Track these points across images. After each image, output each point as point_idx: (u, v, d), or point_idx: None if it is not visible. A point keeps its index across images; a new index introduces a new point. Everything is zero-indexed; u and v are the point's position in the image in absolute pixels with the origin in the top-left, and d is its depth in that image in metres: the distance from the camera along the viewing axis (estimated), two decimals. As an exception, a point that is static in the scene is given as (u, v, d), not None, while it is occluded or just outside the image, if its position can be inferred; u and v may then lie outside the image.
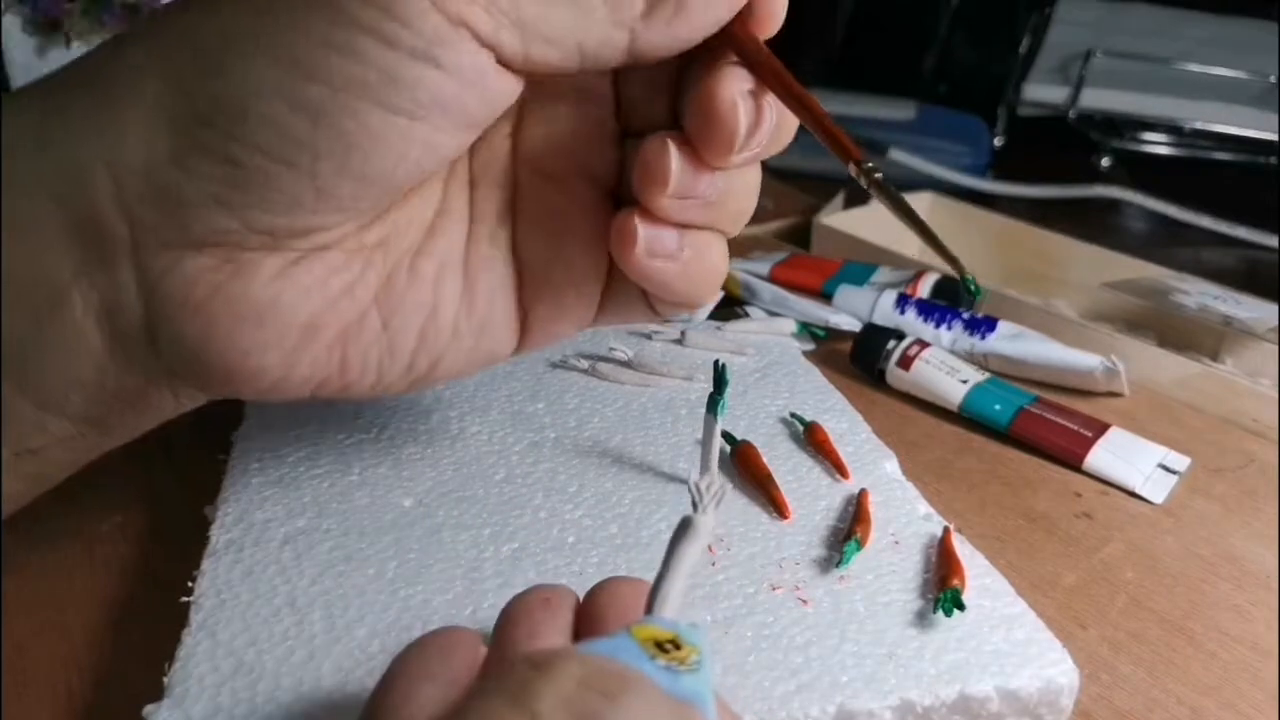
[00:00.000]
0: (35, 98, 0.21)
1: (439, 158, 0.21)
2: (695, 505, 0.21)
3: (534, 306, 0.26)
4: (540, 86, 0.23)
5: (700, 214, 0.23)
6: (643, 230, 0.23)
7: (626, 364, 0.40)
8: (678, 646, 0.18)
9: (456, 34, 0.19)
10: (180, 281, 0.21)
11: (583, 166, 0.25)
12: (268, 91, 0.19)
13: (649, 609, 0.20)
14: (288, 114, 0.19)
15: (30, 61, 0.48)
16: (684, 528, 0.20)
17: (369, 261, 0.23)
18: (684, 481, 0.33)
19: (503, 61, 0.20)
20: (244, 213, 0.20)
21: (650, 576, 0.20)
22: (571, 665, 0.16)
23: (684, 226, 0.23)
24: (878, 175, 0.22)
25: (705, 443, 0.32)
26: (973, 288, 0.22)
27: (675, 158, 0.22)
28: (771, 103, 0.22)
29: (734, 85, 0.22)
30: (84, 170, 0.20)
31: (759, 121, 0.22)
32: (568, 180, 0.25)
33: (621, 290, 0.26)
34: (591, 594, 0.22)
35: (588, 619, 0.21)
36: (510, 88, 0.21)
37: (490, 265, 0.25)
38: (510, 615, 0.21)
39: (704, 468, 0.32)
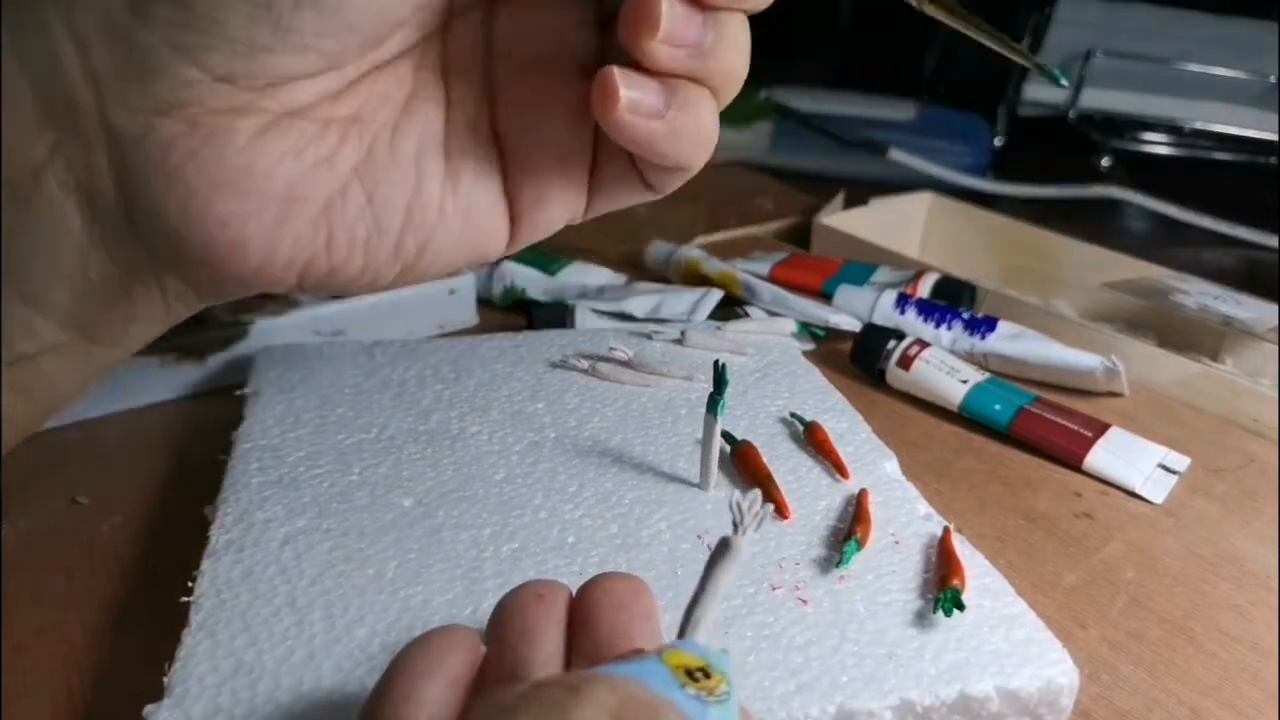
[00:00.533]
0: None
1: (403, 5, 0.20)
2: (735, 526, 0.20)
3: (520, 193, 0.25)
4: None
5: (690, 63, 0.22)
6: (625, 86, 0.22)
7: (627, 364, 0.40)
8: (707, 675, 0.18)
9: None
10: (153, 148, 0.20)
11: (560, 55, 0.24)
12: None
13: (682, 632, 0.19)
14: None
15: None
16: (723, 549, 0.20)
17: (344, 135, 0.22)
18: (685, 481, 0.33)
19: None
20: (203, 56, 0.20)
21: (650, 577, 0.20)
22: (604, 691, 0.16)
23: (672, 78, 0.22)
24: None
25: (705, 443, 0.32)
26: (1055, 75, 0.21)
27: None
28: None
29: None
30: (52, 42, 0.20)
31: None
32: (546, 69, 0.24)
33: (611, 168, 0.25)
34: (584, 589, 0.22)
35: (581, 615, 0.21)
36: None
37: (471, 149, 0.24)
38: (504, 612, 0.21)
39: (704, 468, 0.32)
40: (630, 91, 0.22)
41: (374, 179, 0.23)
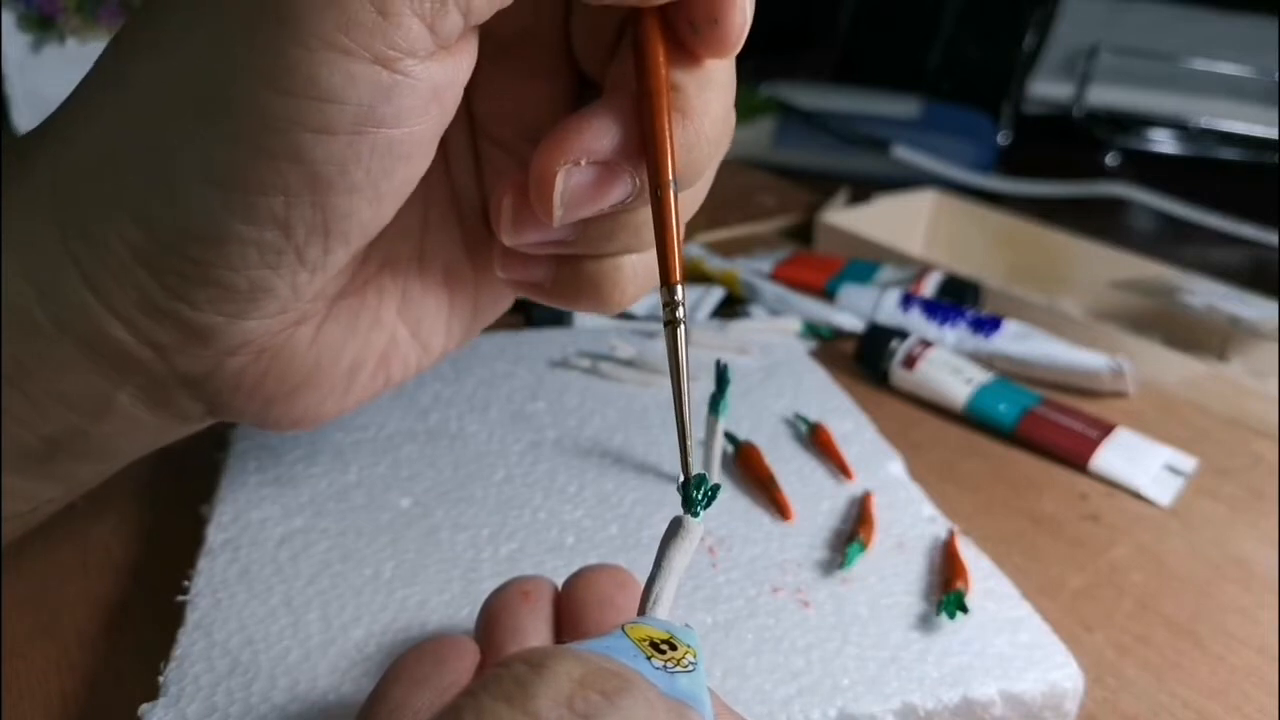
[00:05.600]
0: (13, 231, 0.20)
1: (418, 175, 0.20)
2: (685, 504, 0.20)
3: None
4: (491, 65, 0.22)
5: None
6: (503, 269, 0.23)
7: (628, 363, 0.39)
8: (673, 647, 0.18)
9: (393, 79, 0.17)
10: (226, 378, 0.21)
11: (535, 134, 0.23)
12: (223, 214, 0.18)
13: (642, 609, 0.19)
14: (255, 231, 0.18)
15: (25, 59, 0.48)
16: (674, 528, 0.20)
17: (380, 288, 0.24)
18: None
19: (443, 45, 0.18)
20: (254, 312, 0.20)
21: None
22: (569, 663, 0.16)
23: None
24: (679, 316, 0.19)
25: (707, 444, 0.32)
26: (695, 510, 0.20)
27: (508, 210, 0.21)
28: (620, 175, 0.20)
29: (558, 154, 0.19)
30: (93, 317, 0.19)
31: (585, 195, 0.19)
32: (524, 148, 0.24)
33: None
34: (570, 584, 0.22)
35: (568, 609, 0.21)
36: (455, 70, 0.19)
37: (483, 236, 0.25)
38: (491, 613, 0.21)
39: (706, 469, 0.32)
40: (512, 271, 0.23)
41: (415, 316, 0.24)
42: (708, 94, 0.20)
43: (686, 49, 0.19)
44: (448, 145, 0.24)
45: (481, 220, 0.25)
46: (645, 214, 0.20)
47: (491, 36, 0.21)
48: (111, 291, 0.19)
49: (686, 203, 0.21)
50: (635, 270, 0.22)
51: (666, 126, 0.19)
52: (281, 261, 0.19)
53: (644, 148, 0.19)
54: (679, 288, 0.19)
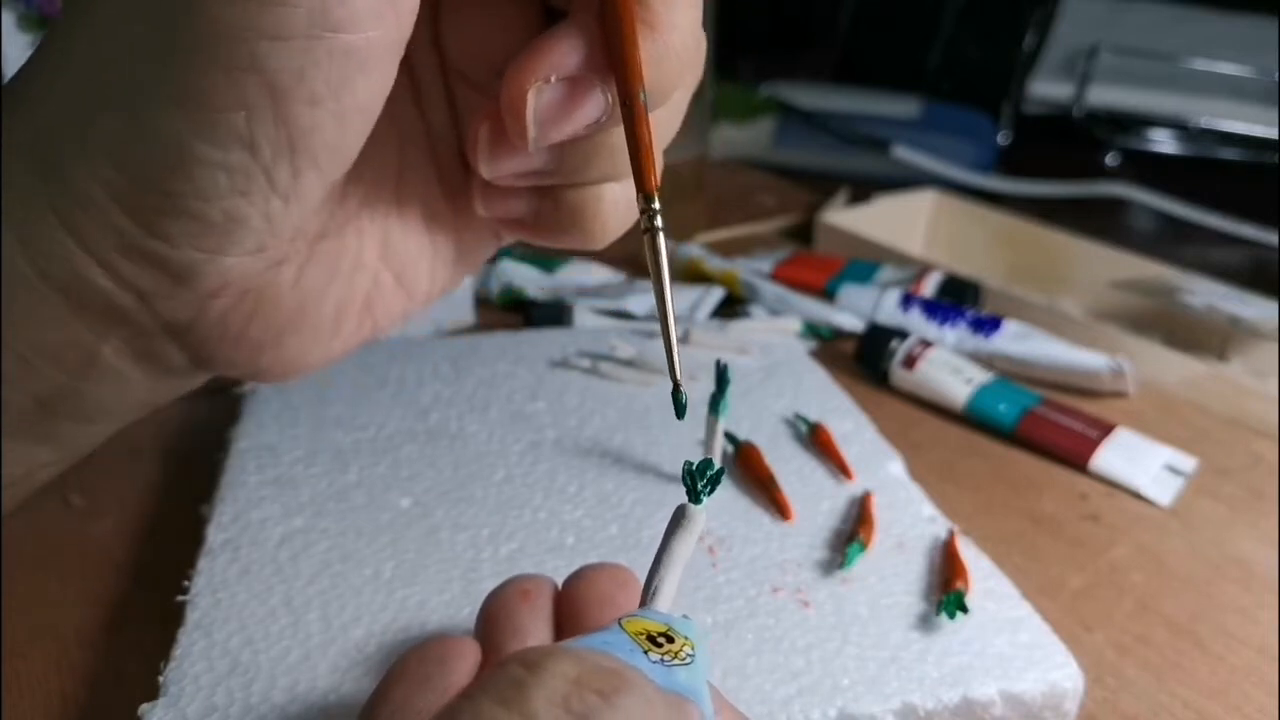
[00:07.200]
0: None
1: (380, 92, 0.20)
2: (689, 493, 0.20)
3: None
4: None
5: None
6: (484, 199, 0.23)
7: (628, 363, 0.39)
8: (670, 639, 0.18)
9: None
10: (210, 324, 0.21)
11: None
12: (189, 137, 0.18)
13: (642, 602, 0.19)
14: (220, 152, 0.18)
15: (24, 58, 0.48)
16: (678, 517, 0.20)
17: (360, 229, 0.23)
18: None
19: None
20: (232, 248, 0.20)
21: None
22: (564, 663, 0.16)
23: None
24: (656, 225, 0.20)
25: (707, 444, 0.32)
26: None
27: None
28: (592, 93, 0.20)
29: (541, 65, 0.19)
30: (73, 261, 0.19)
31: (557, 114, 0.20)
32: (496, 83, 0.23)
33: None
34: (570, 582, 0.22)
35: (568, 608, 0.21)
36: None
37: (462, 170, 0.24)
38: (491, 612, 0.21)
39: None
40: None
41: (398, 259, 0.24)
42: (673, 8, 0.20)
43: None
44: (419, 82, 0.23)
45: (459, 162, 0.24)
46: (621, 137, 0.20)
47: None
48: (91, 235, 0.19)
49: (660, 125, 0.21)
50: (616, 200, 0.22)
51: (633, 36, 0.19)
52: (252, 187, 0.19)
53: (611, 61, 0.19)
54: (655, 196, 0.19)
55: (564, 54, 0.19)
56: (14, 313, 0.20)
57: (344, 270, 0.23)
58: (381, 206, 0.24)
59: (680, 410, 0.20)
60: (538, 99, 0.19)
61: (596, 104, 0.20)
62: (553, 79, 0.19)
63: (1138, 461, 0.38)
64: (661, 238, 0.19)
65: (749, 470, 0.33)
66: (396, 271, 0.24)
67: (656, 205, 0.19)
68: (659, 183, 0.20)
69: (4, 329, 0.20)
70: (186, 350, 0.21)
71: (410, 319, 0.25)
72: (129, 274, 0.19)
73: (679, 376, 0.20)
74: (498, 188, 0.22)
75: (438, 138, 0.24)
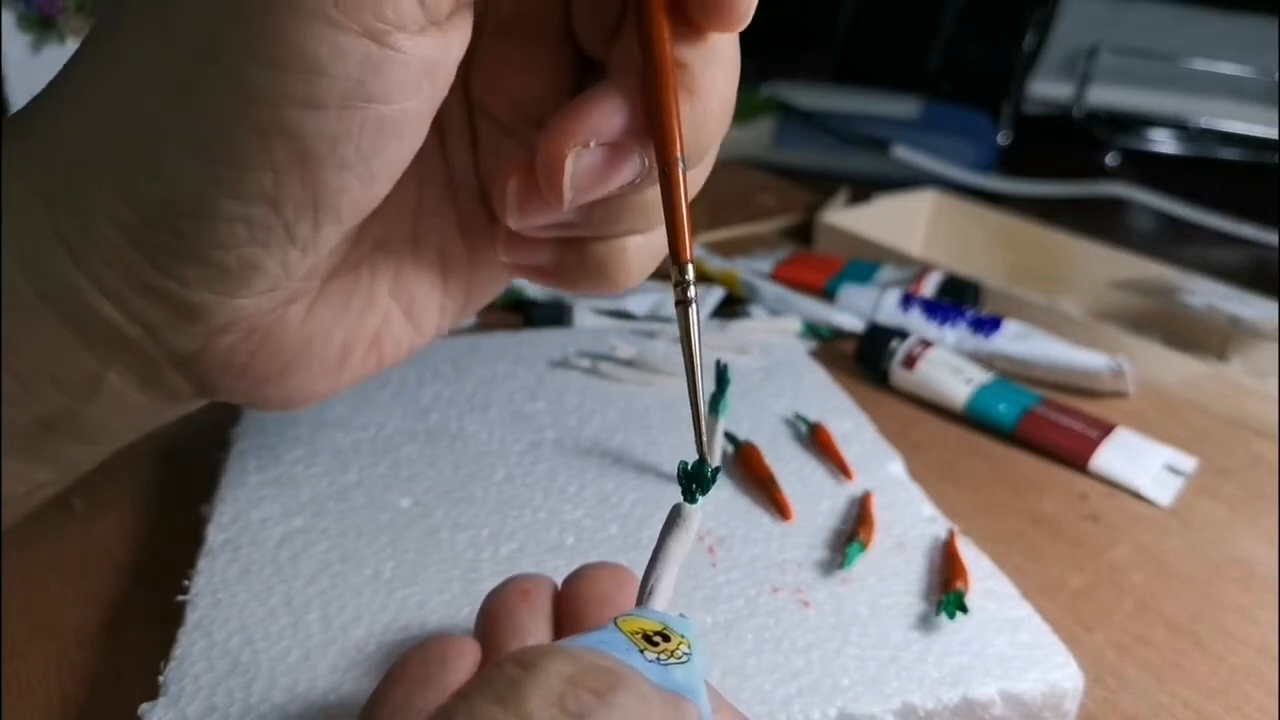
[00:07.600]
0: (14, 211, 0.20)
1: (410, 154, 0.20)
2: (685, 492, 0.20)
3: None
4: (490, 44, 0.22)
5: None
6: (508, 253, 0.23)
7: (628, 363, 0.39)
8: (666, 638, 0.18)
9: (383, 54, 0.17)
10: (216, 357, 0.21)
11: (535, 115, 0.23)
12: (211, 190, 0.18)
13: (639, 601, 0.19)
14: (243, 207, 0.18)
15: (25, 59, 0.48)
16: (673, 516, 0.20)
17: (373, 268, 0.23)
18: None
19: (434, 21, 0.17)
20: (244, 290, 0.19)
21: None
22: (560, 663, 0.16)
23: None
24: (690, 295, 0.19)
25: (707, 443, 0.31)
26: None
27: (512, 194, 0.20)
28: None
29: (568, 138, 0.19)
30: (81, 294, 0.19)
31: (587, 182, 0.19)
32: (523, 128, 0.23)
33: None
34: (570, 582, 0.22)
35: (568, 608, 0.21)
36: (448, 47, 0.18)
37: (481, 210, 0.24)
38: (491, 612, 0.21)
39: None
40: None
41: (408, 296, 0.24)
42: (714, 70, 0.19)
43: (691, 25, 0.19)
44: (443, 124, 0.23)
45: (477, 201, 0.24)
46: (652, 194, 0.20)
47: (491, 14, 0.21)
48: (100, 268, 0.19)
49: (692, 181, 0.21)
50: (640, 251, 0.22)
51: (674, 104, 0.19)
52: (271, 239, 0.18)
53: (651, 127, 0.19)
54: (689, 266, 0.19)
55: (605, 117, 0.19)
56: (13, 334, 0.19)
57: (354, 307, 0.23)
58: (396, 246, 0.23)
59: (706, 485, 0.20)
60: (576, 163, 0.19)
61: (633, 168, 0.19)
62: (592, 144, 0.19)
63: (1138, 461, 0.38)
64: (694, 309, 0.19)
65: (749, 470, 0.33)
66: (406, 308, 0.24)
67: (691, 276, 0.19)
68: (692, 255, 0.19)
69: (4, 350, 0.19)
70: (191, 379, 0.21)
71: (416, 352, 0.25)
72: (137, 307, 0.19)
73: (707, 451, 0.20)
74: (521, 237, 0.22)
75: (458, 180, 0.24)
